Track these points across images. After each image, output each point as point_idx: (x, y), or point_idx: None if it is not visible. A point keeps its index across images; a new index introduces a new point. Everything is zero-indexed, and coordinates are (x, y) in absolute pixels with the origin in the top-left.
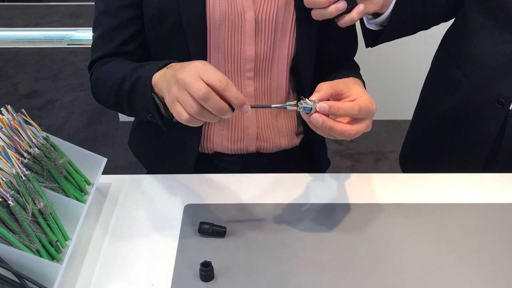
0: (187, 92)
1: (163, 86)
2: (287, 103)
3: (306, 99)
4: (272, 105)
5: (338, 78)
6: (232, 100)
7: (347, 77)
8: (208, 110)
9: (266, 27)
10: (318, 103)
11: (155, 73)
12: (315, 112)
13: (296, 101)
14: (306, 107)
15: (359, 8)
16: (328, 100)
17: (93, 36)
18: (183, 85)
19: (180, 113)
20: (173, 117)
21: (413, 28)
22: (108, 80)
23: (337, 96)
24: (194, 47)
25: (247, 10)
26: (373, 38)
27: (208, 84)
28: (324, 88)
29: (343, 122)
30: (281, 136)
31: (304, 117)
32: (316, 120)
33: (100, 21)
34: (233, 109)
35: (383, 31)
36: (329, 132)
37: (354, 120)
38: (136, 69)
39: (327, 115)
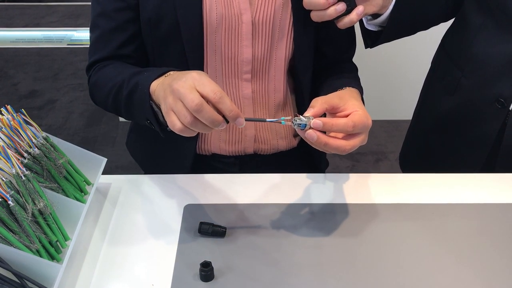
0: (181, 102)
1: (160, 94)
2: (282, 118)
3: (301, 116)
4: (267, 119)
5: (336, 83)
6: (226, 113)
7: (345, 83)
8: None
9: (263, 29)
10: (312, 119)
11: (153, 81)
12: (310, 128)
13: (290, 117)
14: (300, 124)
15: (359, 10)
16: (324, 114)
17: (90, 38)
18: (178, 95)
19: (174, 123)
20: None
21: (413, 29)
22: (106, 85)
23: (332, 110)
24: (191, 50)
25: (244, 13)
26: (373, 39)
27: (202, 96)
28: (318, 103)
29: (338, 138)
30: (279, 138)
31: (299, 132)
32: (311, 136)
33: (96, 23)
34: (227, 121)
35: (382, 31)
36: (324, 148)
37: (350, 134)
38: (134, 75)
39: (322, 131)
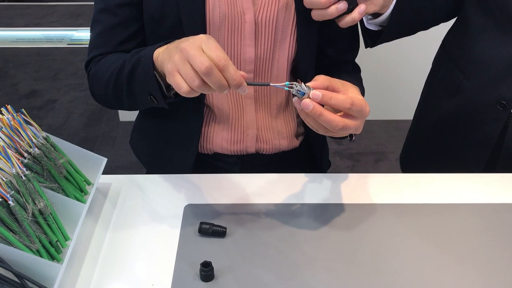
0: (190, 64)
1: (164, 58)
2: (286, 82)
3: (302, 83)
4: (271, 83)
5: None
6: (230, 82)
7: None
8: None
9: (266, 29)
10: (312, 90)
11: (156, 49)
12: (308, 97)
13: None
14: (300, 91)
15: (360, 8)
16: None
17: (91, 34)
18: (186, 55)
19: (180, 85)
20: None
21: (413, 29)
22: (107, 70)
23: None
24: None
25: (247, 12)
26: (373, 39)
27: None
28: (321, 78)
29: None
30: (280, 137)
31: (296, 103)
32: (307, 105)
33: (98, 19)
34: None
35: (382, 31)
36: (317, 119)
37: (345, 115)
38: (136, 53)
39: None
